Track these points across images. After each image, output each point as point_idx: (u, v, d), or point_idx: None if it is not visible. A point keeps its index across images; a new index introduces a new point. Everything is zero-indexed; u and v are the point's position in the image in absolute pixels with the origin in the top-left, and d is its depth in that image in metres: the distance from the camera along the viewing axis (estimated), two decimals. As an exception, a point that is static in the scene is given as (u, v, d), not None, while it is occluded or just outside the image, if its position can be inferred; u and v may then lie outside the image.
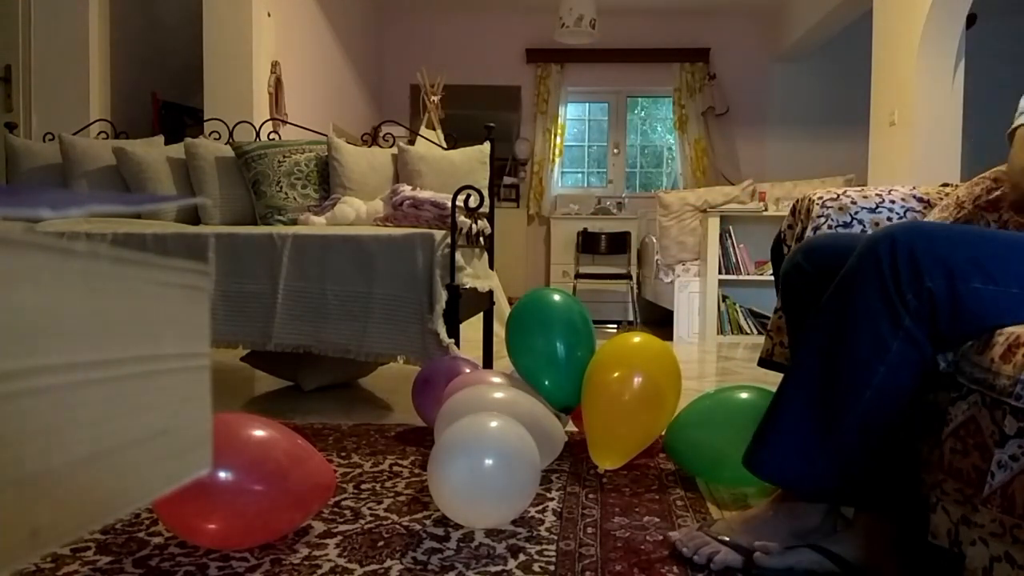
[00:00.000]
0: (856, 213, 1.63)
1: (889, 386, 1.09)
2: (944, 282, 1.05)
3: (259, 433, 1.27)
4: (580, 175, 7.41)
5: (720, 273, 4.69)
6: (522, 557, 1.26)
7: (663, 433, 1.75)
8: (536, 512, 1.47)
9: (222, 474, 1.18)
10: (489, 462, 1.31)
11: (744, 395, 1.66)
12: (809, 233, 1.67)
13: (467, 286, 2.31)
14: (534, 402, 1.69)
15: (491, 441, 1.34)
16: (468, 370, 1.99)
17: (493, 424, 1.37)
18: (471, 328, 2.65)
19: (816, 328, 1.17)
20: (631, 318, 6.05)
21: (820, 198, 1.68)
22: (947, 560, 1.03)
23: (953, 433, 1.04)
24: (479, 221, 2.61)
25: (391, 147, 3.24)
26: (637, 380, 1.68)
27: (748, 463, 1.24)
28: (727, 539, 1.23)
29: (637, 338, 1.78)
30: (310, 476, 1.31)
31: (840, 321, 1.13)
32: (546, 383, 1.90)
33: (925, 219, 1.55)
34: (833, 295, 1.16)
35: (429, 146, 3.46)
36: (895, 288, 1.06)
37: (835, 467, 1.15)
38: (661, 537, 1.35)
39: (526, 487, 1.36)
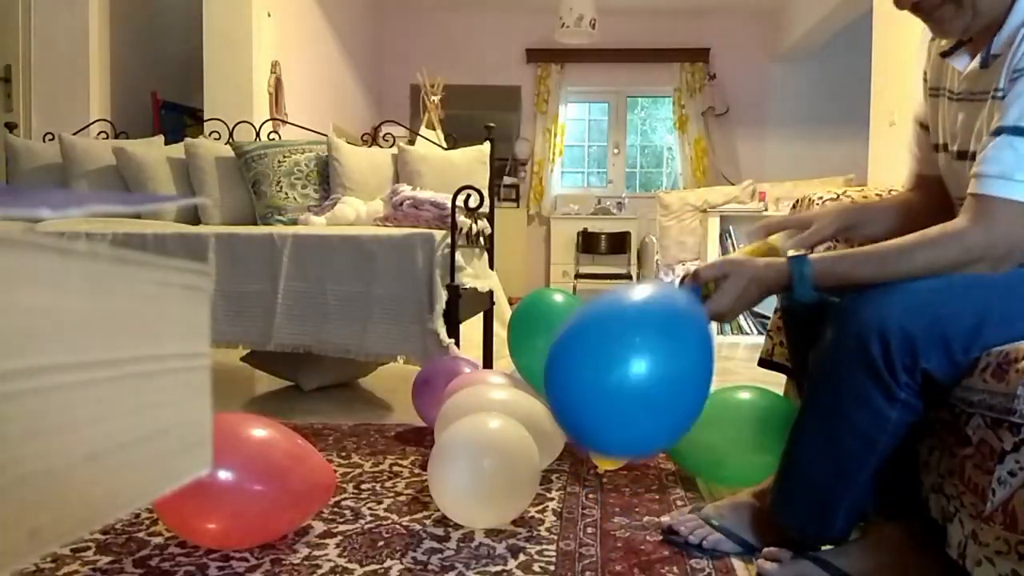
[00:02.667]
0: (856, 213, 1.63)
1: (893, 446, 1.09)
2: (942, 357, 1.02)
3: (259, 433, 1.27)
4: (580, 175, 7.41)
5: (720, 273, 4.68)
6: (522, 557, 1.26)
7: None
8: (536, 512, 1.47)
9: (222, 474, 1.18)
10: (489, 462, 1.31)
11: (744, 395, 1.66)
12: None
13: (467, 286, 2.31)
14: (534, 402, 1.69)
15: (491, 441, 1.34)
16: (468, 370, 1.99)
17: (493, 424, 1.37)
18: (471, 328, 2.65)
19: (814, 398, 1.15)
20: (631, 318, 6.05)
21: (820, 198, 1.68)
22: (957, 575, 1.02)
23: (977, 448, 1.02)
24: (479, 221, 2.60)
25: (391, 147, 3.24)
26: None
27: (772, 512, 1.25)
28: (718, 524, 1.29)
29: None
30: (310, 476, 1.31)
31: (835, 399, 1.10)
32: None
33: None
34: (825, 370, 1.12)
35: (429, 146, 3.46)
36: (889, 374, 1.03)
37: (852, 515, 1.17)
38: (661, 537, 1.35)
39: (526, 487, 1.35)
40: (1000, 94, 1.05)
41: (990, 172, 1.02)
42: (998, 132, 1.02)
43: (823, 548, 1.19)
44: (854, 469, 1.11)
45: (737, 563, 1.25)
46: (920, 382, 1.04)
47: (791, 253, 1.13)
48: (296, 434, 1.34)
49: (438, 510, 1.43)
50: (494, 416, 1.39)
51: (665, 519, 1.36)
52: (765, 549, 1.21)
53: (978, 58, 1.10)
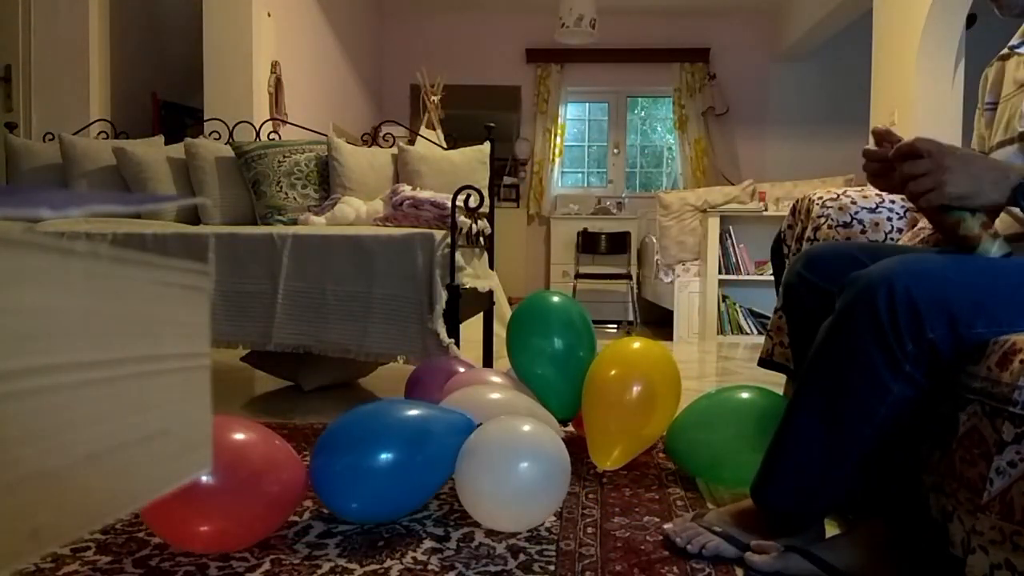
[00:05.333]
0: (856, 213, 1.63)
1: (890, 425, 1.09)
2: (946, 329, 1.02)
3: (237, 436, 1.24)
4: (580, 175, 7.41)
5: (720, 273, 4.69)
6: (522, 557, 1.26)
7: (663, 434, 1.75)
8: (536, 512, 1.47)
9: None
10: (525, 465, 1.28)
11: (744, 395, 1.66)
12: (809, 233, 1.67)
13: (467, 286, 2.31)
14: (533, 403, 1.68)
15: (527, 445, 1.31)
16: (462, 369, 1.98)
17: (526, 428, 1.34)
18: (471, 328, 2.65)
19: (815, 370, 1.16)
20: (631, 318, 6.05)
21: (820, 198, 1.68)
22: (950, 570, 1.03)
23: (960, 442, 1.03)
24: (479, 221, 2.61)
25: (391, 147, 3.24)
26: (636, 389, 1.67)
27: (754, 493, 1.26)
28: (719, 530, 1.27)
29: (637, 344, 1.77)
30: (281, 476, 1.27)
31: (838, 366, 1.11)
32: (552, 399, 1.88)
33: (918, 225, 1.54)
34: (830, 336, 1.13)
35: (429, 146, 3.46)
36: (894, 337, 1.04)
37: (837, 498, 1.18)
38: (661, 537, 1.35)
39: (559, 489, 1.33)
40: None
41: None
42: None
43: (803, 539, 1.19)
44: (848, 444, 1.12)
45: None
46: (926, 356, 1.04)
47: None
48: (274, 432, 1.33)
49: (438, 510, 1.43)
50: (525, 419, 1.37)
51: (667, 526, 1.34)
52: (754, 543, 1.21)
53: None
